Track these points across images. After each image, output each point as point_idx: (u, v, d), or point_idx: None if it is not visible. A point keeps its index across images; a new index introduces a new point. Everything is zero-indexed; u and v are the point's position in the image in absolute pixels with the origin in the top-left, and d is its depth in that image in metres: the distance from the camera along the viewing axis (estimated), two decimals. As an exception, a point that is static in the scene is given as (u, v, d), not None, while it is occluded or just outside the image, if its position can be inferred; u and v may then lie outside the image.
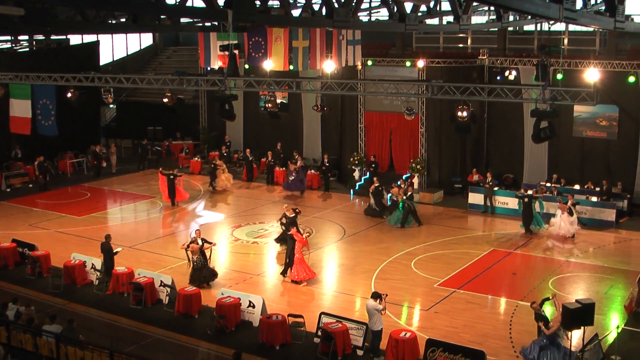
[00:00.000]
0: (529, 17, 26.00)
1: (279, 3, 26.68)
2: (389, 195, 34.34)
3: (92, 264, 25.89)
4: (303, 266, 25.53)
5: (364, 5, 33.01)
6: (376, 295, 20.27)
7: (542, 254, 29.30)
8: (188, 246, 25.64)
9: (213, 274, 25.58)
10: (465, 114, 26.08)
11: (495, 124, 39.10)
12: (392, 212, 33.55)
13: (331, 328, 20.11)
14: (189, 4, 28.93)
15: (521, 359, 19.56)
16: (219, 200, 38.02)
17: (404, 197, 33.00)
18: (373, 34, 40.45)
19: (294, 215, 28.68)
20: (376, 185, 34.65)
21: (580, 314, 17.48)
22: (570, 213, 30.80)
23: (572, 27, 36.38)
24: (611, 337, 20.82)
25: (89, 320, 22.42)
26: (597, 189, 34.41)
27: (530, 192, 32.53)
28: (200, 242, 25.51)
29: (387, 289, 22.90)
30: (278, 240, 29.58)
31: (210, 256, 25.95)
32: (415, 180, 38.43)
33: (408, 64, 38.08)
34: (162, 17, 28.61)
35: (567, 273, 26.71)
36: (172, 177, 36.51)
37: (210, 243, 26.25)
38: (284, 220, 28.63)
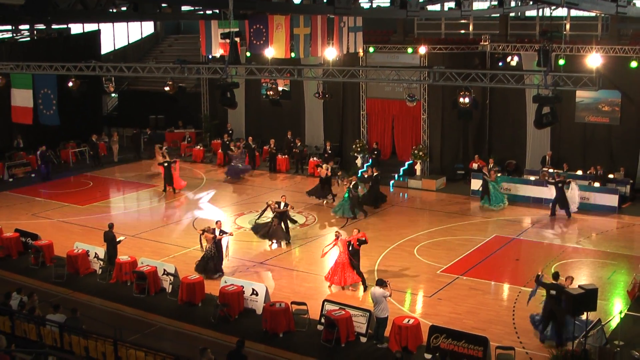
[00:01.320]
0: (531, 2, 26.04)
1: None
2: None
3: (95, 253, 25.92)
4: (347, 270, 24.33)
5: (366, -8, 32.99)
6: (381, 282, 20.28)
7: (545, 240, 29.30)
8: (203, 232, 25.61)
9: (217, 270, 25.17)
10: (467, 100, 25.98)
11: (497, 110, 39.05)
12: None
13: (334, 315, 20.13)
14: (189, -9, 28.89)
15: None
16: (221, 189, 37.99)
17: (350, 186, 32.56)
18: (374, 20, 40.36)
19: (285, 207, 28.83)
20: (376, 174, 34.57)
21: (584, 300, 17.49)
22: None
23: (574, 12, 36.27)
24: (614, 322, 20.86)
25: (93, 310, 22.47)
26: (589, 171, 34.45)
27: (558, 178, 32.45)
28: (217, 232, 25.33)
29: (390, 276, 23.07)
30: (263, 235, 28.64)
31: (227, 247, 25.95)
32: (418, 167, 38.43)
33: (410, 50, 37.98)
34: (163, 5, 28.60)
35: (570, 259, 26.71)
36: (166, 164, 36.77)
37: (226, 233, 26.19)
38: (273, 206, 28.58)
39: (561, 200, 32.25)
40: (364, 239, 24.24)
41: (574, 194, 32.31)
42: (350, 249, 24.06)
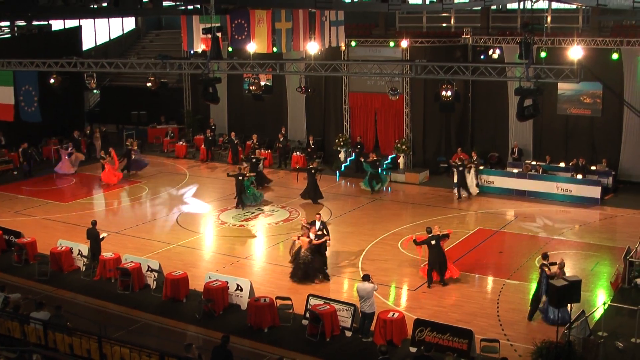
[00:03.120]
0: (512, -5, 26.03)
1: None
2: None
3: (79, 250, 25.84)
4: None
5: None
6: (367, 277, 20.32)
7: (528, 232, 29.41)
8: (299, 237, 24.53)
9: (319, 272, 23.96)
10: (449, 93, 26.07)
11: (479, 103, 39.14)
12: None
13: (319, 310, 20.14)
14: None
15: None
16: (205, 184, 37.94)
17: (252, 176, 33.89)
18: (356, 14, 40.37)
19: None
20: (374, 158, 35.72)
21: (567, 291, 17.55)
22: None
23: (555, 5, 36.35)
24: (598, 313, 20.97)
25: (77, 307, 22.36)
26: (572, 163, 34.64)
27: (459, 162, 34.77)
28: (313, 237, 24.20)
29: (374, 270, 23.14)
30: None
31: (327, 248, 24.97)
32: (401, 161, 38.50)
33: (391, 44, 37.99)
34: (144, 0, 28.47)
35: (554, 250, 26.75)
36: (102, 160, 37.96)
37: (324, 236, 24.87)
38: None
39: (462, 182, 34.26)
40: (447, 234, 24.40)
41: (472, 177, 34.33)
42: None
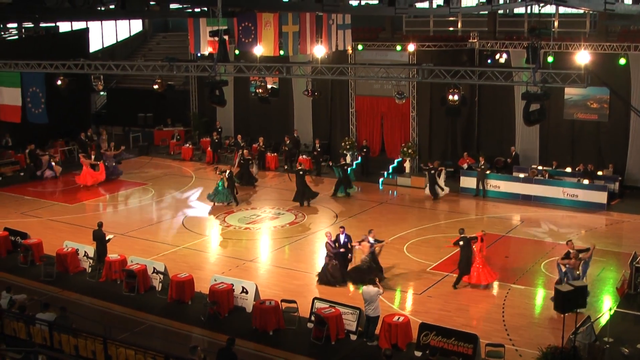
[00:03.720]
0: (519, -1, 26.02)
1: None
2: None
3: (85, 252, 25.86)
4: (486, 269, 24.23)
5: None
6: (372, 281, 20.31)
7: (534, 237, 29.37)
8: (360, 242, 24.39)
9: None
10: (456, 97, 26.03)
11: (486, 108, 39.08)
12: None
13: (324, 313, 20.13)
14: (178, -11, 28.86)
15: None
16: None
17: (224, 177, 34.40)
18: (363, 18, 40.35)
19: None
20: (343, 162, 36.03)
21: (573, 297, 17.51)
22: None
23: (562, 9, 36.36)
24: (604, 319, 20.92)
25: (82, 308, 22.38)
26: (578, 168, 34.58)
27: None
28: (372, 240, 24.34)
29: (379, 274, 23.04)
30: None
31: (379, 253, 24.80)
32: (407, 165, 38.47)
33: (398, 47, 37.98)
34: (151, 3, 28.47)
35: (559, 256, 26.72)
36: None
37: (381, 241, 24.98)
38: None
39: (432, 185, 35.37)
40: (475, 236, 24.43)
41: (441, 181, 35.70)
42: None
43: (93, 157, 38.55)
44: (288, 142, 41.42)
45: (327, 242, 24.35)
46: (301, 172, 34.24)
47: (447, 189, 35.80)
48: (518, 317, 21.38)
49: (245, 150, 38.45)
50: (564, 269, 22.22)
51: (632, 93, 34.77)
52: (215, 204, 33.98)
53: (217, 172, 34.58)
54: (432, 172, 35.34)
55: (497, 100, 38.30)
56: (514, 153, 37.33)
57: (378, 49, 39.00)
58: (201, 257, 27.52)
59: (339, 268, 24.10)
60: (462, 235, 24.00)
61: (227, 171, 34.43)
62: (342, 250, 24.31)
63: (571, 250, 22.54)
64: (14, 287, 22.00)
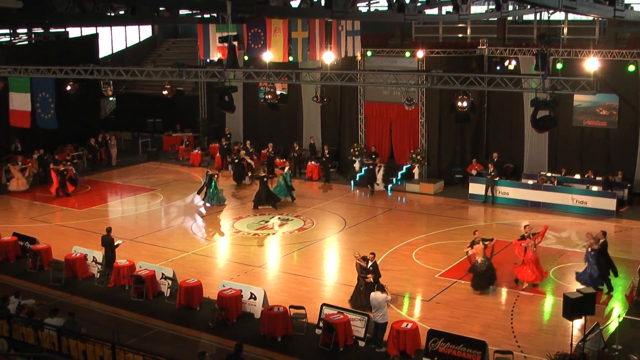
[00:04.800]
0: (528, 6, 25.95)
1: (277, -6, 26.60)
2: None
3: (93, 257, 25.90)
4: (535, 266, 24.46)
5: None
6: (381, 287, 20.28)
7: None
8: (485, 247, 24.47)
9: (493, 277, 24.21)
10: (465, 104, 26.05)
11: (495, 114, 39.05)
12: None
13: (333, 319, 20.12)
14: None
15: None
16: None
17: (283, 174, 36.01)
18: (372, 24, 40.39)
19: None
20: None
21: (582, 303, 17.49)
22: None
23: (571, 16, 36.28)
24: (612, 326, 20.84)
25: (91, 313, 22.43)
26: (599, 178, 34.48)
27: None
28: (482, 243, 24.40)
29: (388, 280, 22.99)
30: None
31: (492, 253, 25.05)
32: (416, 171, 38.47)
33: (407, 54, 37.98)
34: (160, 8, 28.55)
35: (568, 262, 26.70)
36: (64, 171, 37.33)
37: (491, 240, 25.14)
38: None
39: (370, 179, 37.73)
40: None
41: (380, 176, 37.98)
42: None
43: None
44: (297, 148, 41.42)
45: (357, 263, 23.00)
46: (265, 179, 34.81)
47: (382, 185, 38.05)
48: (527, 324, 21.32)
49: (242, 151, 39.63)
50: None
51: (641, 100, 34.72)
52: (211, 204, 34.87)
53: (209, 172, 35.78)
54: (371, 167, 37.46)
55: (506, 107, 38.25)
56: (495, 159, 36.96)
57: (387, 55, 39.00)
58: (210, 262, 27.54)
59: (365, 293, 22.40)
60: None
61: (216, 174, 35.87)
62: (369, 277, 22.48)
63: (475, 238, 24.52)
64: (22, 292, 22.08)
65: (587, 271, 23.68)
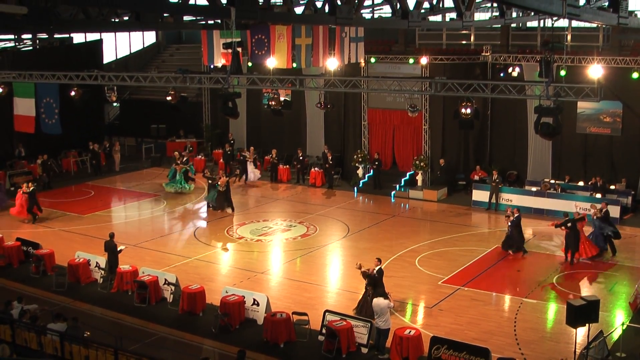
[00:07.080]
0: (532, 13, 25.95)
1: (281, 0, 26.62)
2: None
3: (97, 262, 25.93)
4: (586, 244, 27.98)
5: (367, 2, 32.85)
6: (383, 293, 20.27)
7: (546, 251, 29.28)
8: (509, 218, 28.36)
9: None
10: (468, 110, 26.04)
11: (498, 121, 39.05)
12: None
13: (336, 326, 20.10)
14: (191, 1, 28.84)
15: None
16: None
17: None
18: (376, 30, 40.43)
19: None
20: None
21: (585, 311, 17.48)
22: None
23: (575, 23, 36.30)
24: (616, 334, 20.81)
25: (93, 319, 22.42)
26: (591, 182, 34.51)
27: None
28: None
29: (391, 287, 22.94)
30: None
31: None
32: (419, 178, 38.43)
33: (411, 60, 38.01)
34: (164, 15, 28.57)
35: (572, 270, 26.68)
36: (33, 191, 33.85)
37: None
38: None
39: (242, 171, 40.81)
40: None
41: (250, 167, 40.82)
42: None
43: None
44: (300, 154, 41.44)
45: (362, 272, 22.58)
46: (210, 181, 35.69)
47: (257, 173, 41.35)
48: (530, 331, 21.29)
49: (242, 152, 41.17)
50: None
51: (645, 107, 34.71)
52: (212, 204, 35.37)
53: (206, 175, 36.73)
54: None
55: (509, 114, 38.27)
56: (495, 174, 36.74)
57: (391, 62, 39.02)
58: (212, 268, 27.54)
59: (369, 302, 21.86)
60: (566, 219, 27.74)
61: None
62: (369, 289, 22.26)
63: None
64: (25, 297, 22.08)
65: (595, 233, 28.37)
